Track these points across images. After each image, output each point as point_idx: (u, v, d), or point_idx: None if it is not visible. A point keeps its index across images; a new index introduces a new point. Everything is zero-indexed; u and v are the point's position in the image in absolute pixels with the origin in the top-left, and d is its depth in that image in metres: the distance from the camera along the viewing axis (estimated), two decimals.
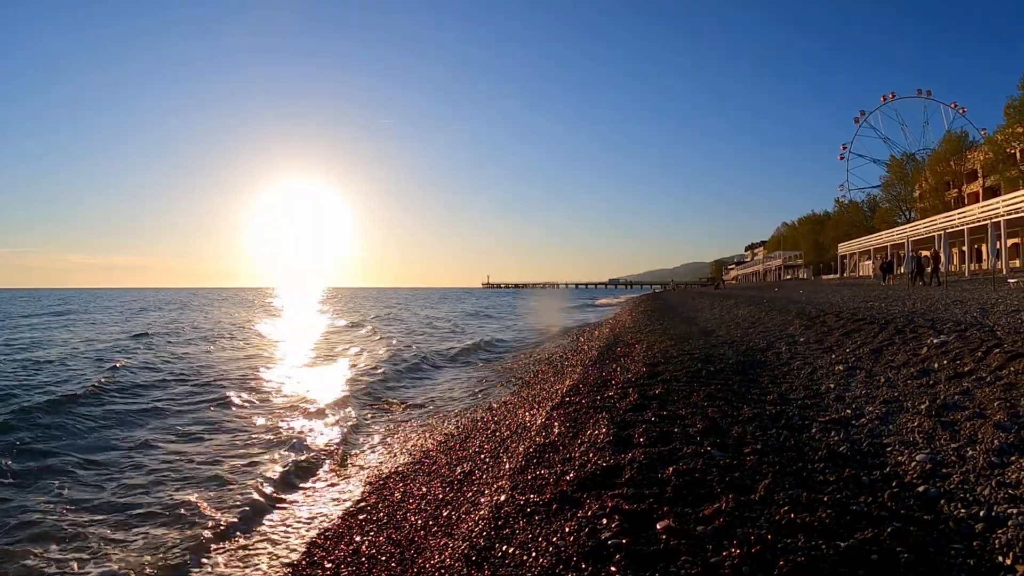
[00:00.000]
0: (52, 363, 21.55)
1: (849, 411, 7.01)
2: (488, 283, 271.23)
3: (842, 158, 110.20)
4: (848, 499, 4.46)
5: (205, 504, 8.25)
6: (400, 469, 8.88)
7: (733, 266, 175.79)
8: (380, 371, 19.59)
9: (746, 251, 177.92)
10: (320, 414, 13.47)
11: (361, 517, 7.14)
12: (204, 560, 6.65)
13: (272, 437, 11.66)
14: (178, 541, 7.10)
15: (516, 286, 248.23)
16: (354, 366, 21.62)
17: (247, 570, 6.35)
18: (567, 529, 4.36)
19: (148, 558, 6.72)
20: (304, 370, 21.25)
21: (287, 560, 6.36)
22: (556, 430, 7.41)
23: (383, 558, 5.76)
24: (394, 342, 30.05)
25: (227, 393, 16.08)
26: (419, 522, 6.44)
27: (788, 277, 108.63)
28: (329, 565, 5.93)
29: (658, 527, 4.13)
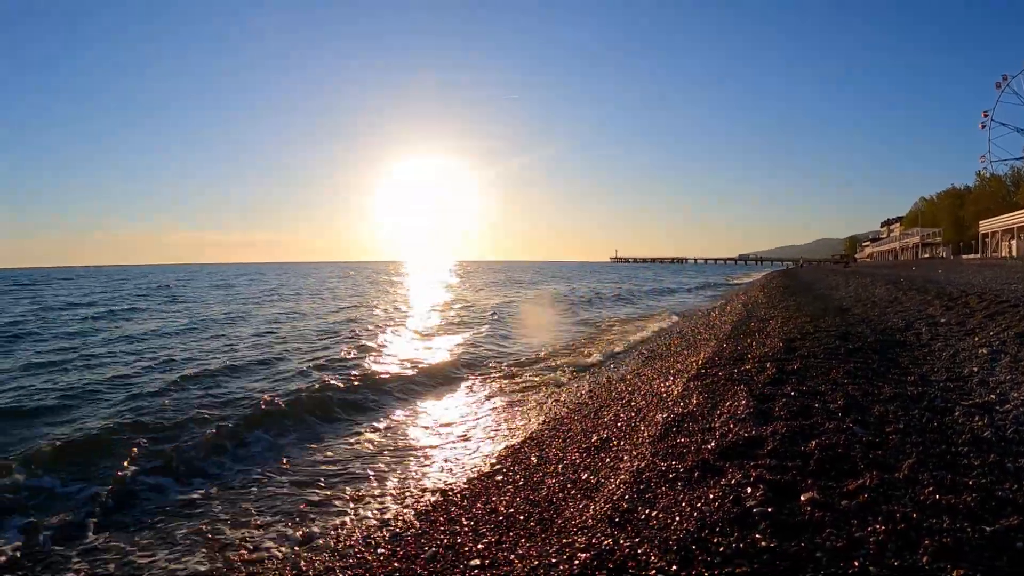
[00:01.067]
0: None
1: (993, 396, 6.77)
2: (616, 257, 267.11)
3: (984, 127, 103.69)
4: (992, 484, 4.36)
5: (339, 458, 8.78)
6: (534, 435, 9.11)
7: (868, 243, 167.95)
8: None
9: (881, 227, 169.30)
10: (484, 381, 14.08)
11: (498, 478, 7.35)
12: (342, 517, 7.05)
13: (426, 398, 12.15)
14: (319, 501, 7.62)
15: (644, 261, 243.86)
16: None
17: (386, 521, 6.69)
18: (711, 496, 4.43)
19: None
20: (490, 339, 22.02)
21: (424, 516, 6.60)
22: (694, 400, 7.44)
23: (521, 517, 5.90)
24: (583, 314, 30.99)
25: (417, 356, 17.06)
26: (556, 485, 6.56)
27: (926, 256, 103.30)
28: (467, 521, 6.12)
29: (802, 499, 4.18)
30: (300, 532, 6.68)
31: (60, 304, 38.19)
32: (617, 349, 18.59)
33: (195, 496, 7.81)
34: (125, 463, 8.54)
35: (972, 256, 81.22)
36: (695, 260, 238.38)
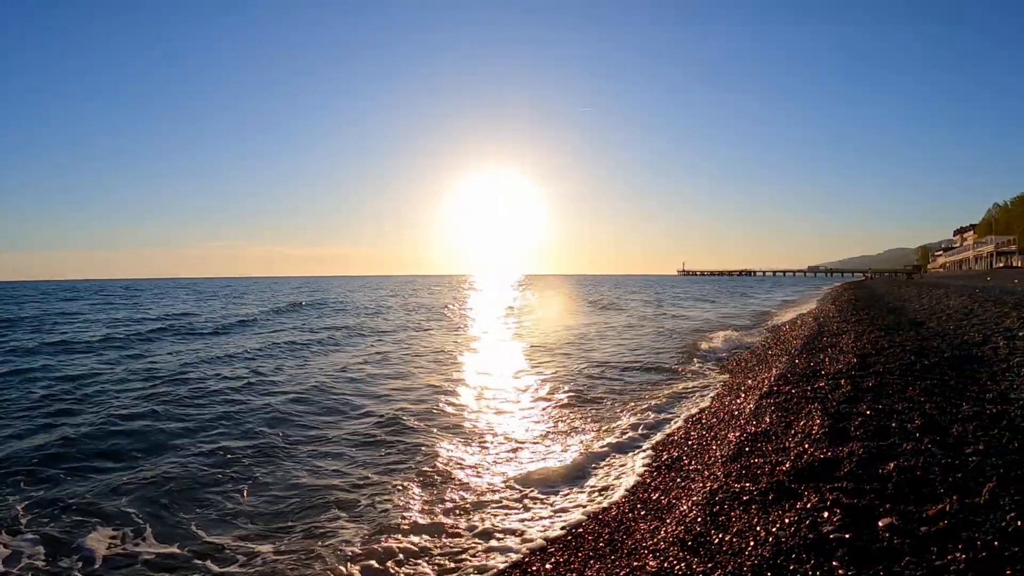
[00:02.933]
0: None
1: None
2: (683, 270, 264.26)
3: None
4: None
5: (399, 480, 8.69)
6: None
7: (940, 252, 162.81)
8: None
9: (954, 236, 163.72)
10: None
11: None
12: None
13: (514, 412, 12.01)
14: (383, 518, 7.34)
15: (711, 273, 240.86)
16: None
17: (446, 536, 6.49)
18: (787, 520, 4.34)
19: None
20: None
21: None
22: (767, 419, 7.32)
23: (590, 537, 5.87)
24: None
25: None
26: (626, 505, 6.51)
27: (1000, 265, 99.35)
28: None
29: (880, 524, 4.05)
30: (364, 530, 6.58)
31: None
32: None
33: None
34: None
35: None
36: (763, 272, 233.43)
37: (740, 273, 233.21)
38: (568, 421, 10.81)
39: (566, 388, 13.70)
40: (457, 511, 7.06)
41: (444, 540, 6.34)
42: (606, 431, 9.93)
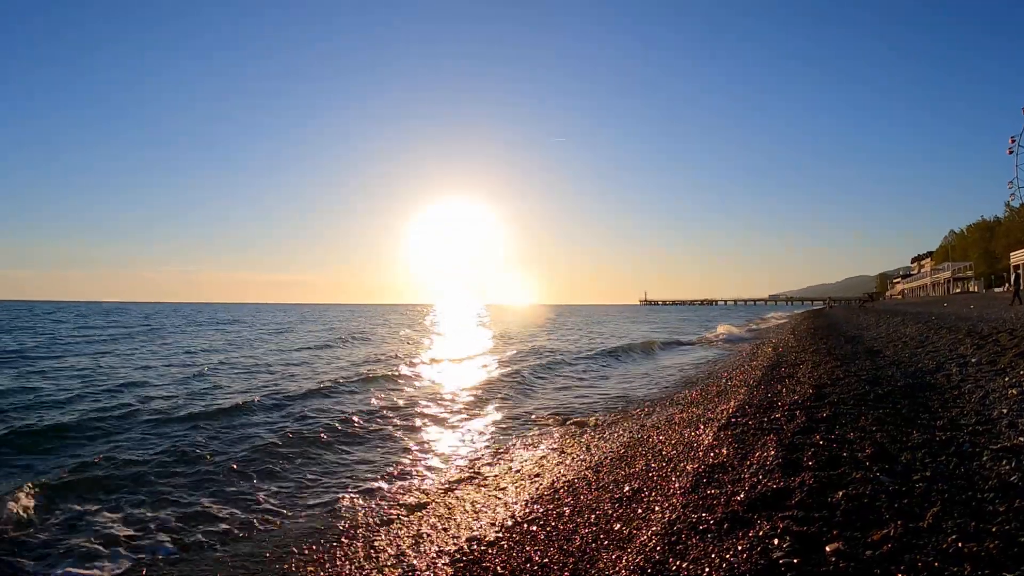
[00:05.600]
0: None
1: (1022, 439, 6.78)
2: (645, 300, 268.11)
3: (1011, 152, 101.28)
4: (1016, 531, 4.41)
5: (367, 506, 8.77)
6: (568, 482, 9.14)
7: (899, 279, 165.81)
8: None
9: (912, 263, 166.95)
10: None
11: (533, 528, 7.36)
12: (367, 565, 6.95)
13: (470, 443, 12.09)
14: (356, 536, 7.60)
15: (674, 303, 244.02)
16: None
17: (416, 569, 6.60)
18: (739, 547, 4.55)
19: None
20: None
21: (457, 563, 6.57)
22: (724, 451, 7.53)
23: (556, 567, 5.96)
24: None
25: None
26: (589, 535, 6.61)
27: (957, 291, 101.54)
28: (502, 570, 6.17)
29: (827, 549, 4.28)
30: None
31: None
32: None
33: None
34: None
35: (1004, 289, 79.92)
36: (725, 301, 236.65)
37: (703, 302, 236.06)
38: None
39: None
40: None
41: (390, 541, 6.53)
42: None
